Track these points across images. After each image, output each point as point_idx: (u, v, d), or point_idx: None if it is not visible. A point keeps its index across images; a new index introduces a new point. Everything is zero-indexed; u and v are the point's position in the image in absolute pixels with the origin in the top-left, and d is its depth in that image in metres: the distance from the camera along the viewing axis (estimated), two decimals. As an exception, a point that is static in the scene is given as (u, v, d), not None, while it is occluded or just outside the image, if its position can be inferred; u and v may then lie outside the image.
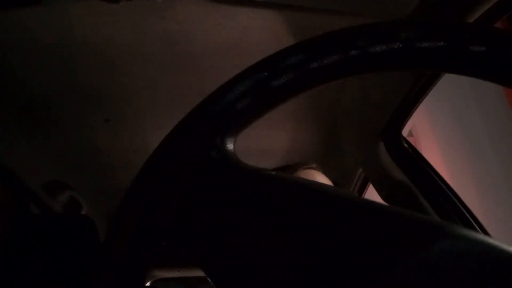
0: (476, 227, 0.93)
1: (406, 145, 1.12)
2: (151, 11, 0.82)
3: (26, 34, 0.85)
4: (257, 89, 0.25)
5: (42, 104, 1.07)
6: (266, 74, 0.25)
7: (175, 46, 0.91)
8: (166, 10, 0.82)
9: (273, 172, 0.25)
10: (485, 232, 0.93)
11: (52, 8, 0.80)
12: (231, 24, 0.86)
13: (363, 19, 0.80)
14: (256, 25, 0.86)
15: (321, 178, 0.95)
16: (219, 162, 0.24)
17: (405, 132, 1.15)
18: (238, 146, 0.26)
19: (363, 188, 1.38)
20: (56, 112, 1.12)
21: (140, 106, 1.12)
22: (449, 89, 1.91)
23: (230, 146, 0.25)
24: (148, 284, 1.75)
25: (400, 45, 0.23)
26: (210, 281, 0.23)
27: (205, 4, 0.81)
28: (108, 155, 1.31)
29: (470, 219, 0.95)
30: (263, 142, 1.26)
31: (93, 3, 0.77)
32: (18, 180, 1.13)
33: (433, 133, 2.32)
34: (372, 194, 1.29)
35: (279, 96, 0.25)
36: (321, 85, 0.25)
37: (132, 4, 0.76)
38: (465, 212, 0.96)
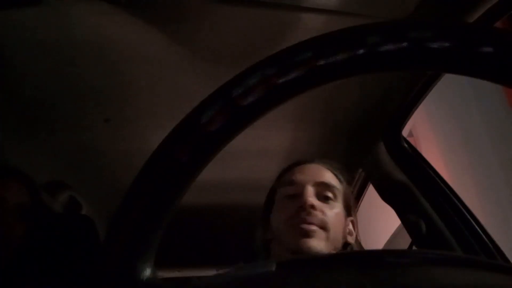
0: (476, 227, 0.93)
1: (406, 145, 1.12)
2: (151, 11, 0.82)
3: (26, 34, 0.85)
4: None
5: (42, 104, 1.07)
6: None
7: (175, 46, 0.91)
8: (166, 10, 0.82)
9: None
10: (485, 232, 0.93)
11: (52, 8, 0.80)
12: (232, 24, 0.86)
13: (363, 19, 0.80)
14: (256, 25, 0.86)
15: None
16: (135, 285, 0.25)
17: (405, 132, 1.15)
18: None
19: (363, 188, 1.38)
20: (56, 112, 1.12)
21: (140, 106, 1.12)
22: (449, 89, 1.90)
23: (147, 270, 0.25)
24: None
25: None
26: None
27: (205, 4, 0.81)
28: (108, 155, 1.31)
29: (470, 219, 0.95)
30: (263, 142, 1.26)
31: (93, 3, 0.77)
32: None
33: (433, 133, 2.32)
34: (372, 194, 1.29)
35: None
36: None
37: (132, 4, 0.76)
38: (465, 212, 0.96)
